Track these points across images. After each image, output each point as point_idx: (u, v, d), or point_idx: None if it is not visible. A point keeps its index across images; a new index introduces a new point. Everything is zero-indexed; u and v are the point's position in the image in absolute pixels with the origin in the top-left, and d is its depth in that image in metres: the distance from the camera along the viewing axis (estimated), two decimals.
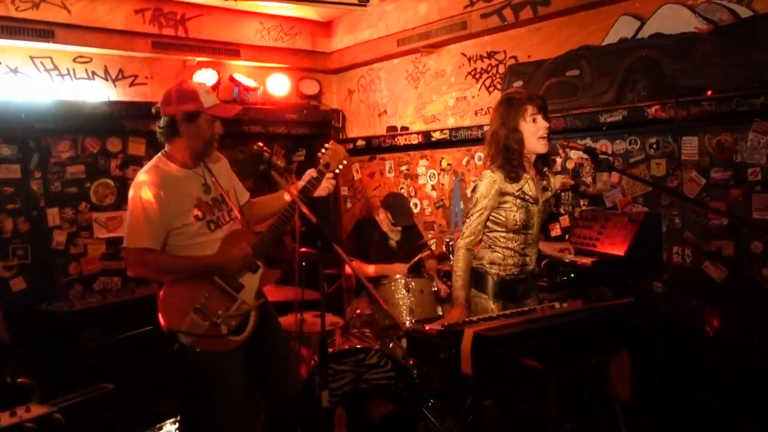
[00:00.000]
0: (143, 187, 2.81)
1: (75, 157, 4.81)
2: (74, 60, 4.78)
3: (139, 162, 5.11)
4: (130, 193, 2.85)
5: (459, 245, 3.21)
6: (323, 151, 3.15)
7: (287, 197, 3.07)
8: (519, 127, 3.14)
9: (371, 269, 4.48)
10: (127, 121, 4.97)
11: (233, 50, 5.41)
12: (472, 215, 3.21)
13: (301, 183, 3.10)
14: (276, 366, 3.14)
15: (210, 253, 2.89)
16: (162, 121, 2.91)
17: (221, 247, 2.93)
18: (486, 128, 4.87)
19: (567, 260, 3.61)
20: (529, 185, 3.23)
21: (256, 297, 2.98)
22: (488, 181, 3.17)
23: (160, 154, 2.97)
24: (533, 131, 3.14)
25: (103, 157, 4.96)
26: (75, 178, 4.80)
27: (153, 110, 2.96)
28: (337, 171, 3.13)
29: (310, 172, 3.12)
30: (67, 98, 4.68)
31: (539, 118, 3.15)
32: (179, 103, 2.87)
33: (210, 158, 3.06)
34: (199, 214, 2.88)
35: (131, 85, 5.06)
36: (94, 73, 4.88)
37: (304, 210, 2.71)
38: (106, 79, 4.94)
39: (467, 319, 2.69)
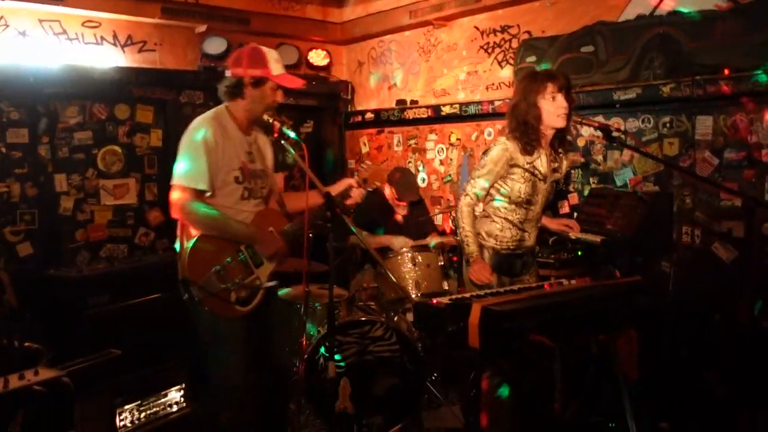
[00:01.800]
0: (204, 129, 2.84)
1: (83, 123, 4.78)
2: (83, 24, 4.73)
3: (146, 129, 5.09)
4: (188, 135, 2.86)
5: (460, 203, 3.22)
6: (364, 166, 3.22)
7: (318, 197, 3.08)
8: (537, 104, 3.13)
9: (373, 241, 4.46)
10: (135, 88, 4.94)
11: (244, 18, 5.35)
12: (478, 177, 3.21)
13: (339, 189, 3.15)
14: (269, 342, 3.17)
15: (242, 219, 2.95)
16: (228, 81, 2.94)
17: (255, 220, 2.99)
18: (498, 103, 4.85)
19: (572, 236, 3.60)
20: (541, 161, 3.22)
21: (269, 277, 3.03)
22: (501, 148, 3.17)
23: (221, 106, 2.99)
24: (551, 110, 3.12)
25: (111, 123, 4.93)
26: (82, 144, 4.78)
27: (219, 68, 2.99)
28: (370, 189, 3.23)
29: (348, 182, 3.18)
30: (76, 63, 4.64)
31: (559, 96, 3.12)
32: (249, 66, 2.90)
33: (261, 131, 3.11)
34: (240, 176, 2.93)
35: (140, 51, 5.02)
36: (102, 38, 4.83)
37: (316, 181, 2.74)
38: (115, 45, 4.89)
39: (475, 294, 2.68)
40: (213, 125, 2.87)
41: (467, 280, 3.29)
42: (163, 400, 3.83)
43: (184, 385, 3.92)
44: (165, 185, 5.11)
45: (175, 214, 2.89)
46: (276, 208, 3.17)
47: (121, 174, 4.99)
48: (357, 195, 3.15)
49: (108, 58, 4.84)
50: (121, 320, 4.10)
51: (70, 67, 4.59)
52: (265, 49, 2.99)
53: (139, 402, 3.70)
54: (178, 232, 2.97)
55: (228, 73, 2.96)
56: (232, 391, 2.96)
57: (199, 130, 2.84)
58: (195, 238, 2.87)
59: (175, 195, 2.84)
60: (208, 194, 2.86)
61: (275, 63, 2.94)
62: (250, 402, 3.07)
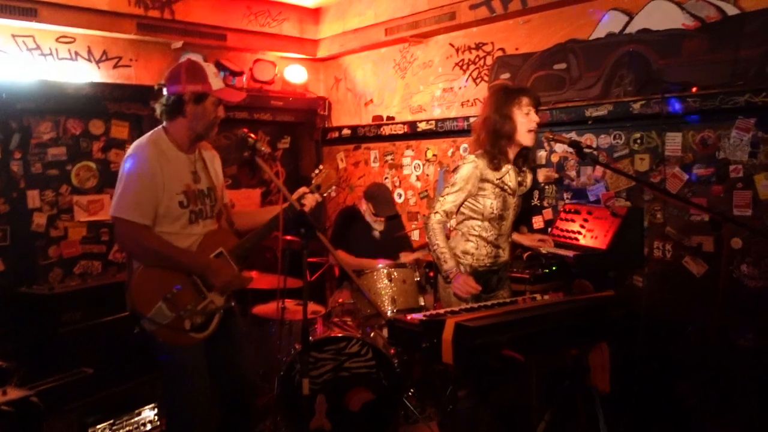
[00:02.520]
0: (141, 158, 2.73)
1: (56, 139, 4.74)
2: (57, 40, 4.70)
3: (122, 145, 5.05)
4: (126, 163, 2.76)
5: (431, 222, 3.23)
6: (317, 172, 3.14)
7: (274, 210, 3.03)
8: (513, 116, 3.17)
9: (354, 263, 4.46)
10: (110, 104, 4.91)
11: (220, 34, 5.36)
12: (447, 194, 3.24)
13: (293, 197, 3.03)
14: (230, 361, 3.05)
15: (187, 245, 2.85)
16: (166, 99, 2.83)
17: (204, 243, 2.89)
18: (473, 120, 4.90)
19: (545, 252, 3.64)
20: (509, 176, 3.28)
21: (225, 300, 2.94)
22: (471, 166, 3.21)
23: (158, 128, 2.88)
24: (524, 122, 3.18)
25: (85, 139, 4.89)
26: (56, 160, 4.73)
27: (156, 86, 2.91)
28: (325, 194, 3.14)
29: (303, 190, 3.10)
30: (50, 78, 4.61)
31: (532, 112, 3.19)
32: (188, 82, 2.79)
33: (204, 147, 3.02)
34: (184, 201, 2.82)
35: (115, 66, 5.00)
36: (77, 53, 4.80)
37: (290, 198, 2.72)
38: (90, 61, 4.87)
39: (449, 309, 2.70)
40: (149, 151, 2.76)
41: (446, 295, 3.29)
42: (136, 418, 3.79)
43: (157, 404, 3.88)
44: None
45: (120, 246, 2.80)
46: (225, 227, 3.06)
47: (95, 190, 4.94)
48: (311, 201, 3.06)
49: (83, 73, 4.81)
50: (93, 338, 4.05)
51: (44, 83, 4.55)
52: (203, 63, 2.90)
53: (111, 421, 3.66)
54: (126, 263, 2.86)
55: (165, 92, 2.84)
56: (201, 420, 2.86)
57: (134, 159, 2.74)
58: (140, 269, 2.76)
59: (118, 229, 2.75)
60: (149, 225, 2.75)
61: (214, 77, 2.85)
62: (213, 421, 2.97)
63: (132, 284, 2.76)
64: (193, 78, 2.80)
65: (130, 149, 2.80)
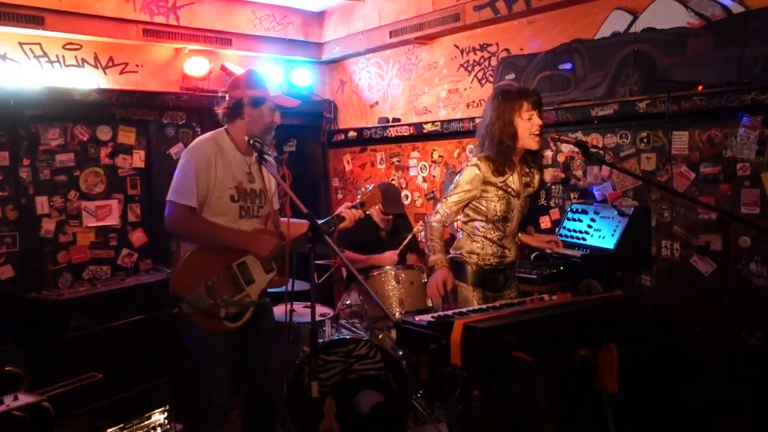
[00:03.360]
0: (199, 150, 2.96)
1: (64, 145, 4.76)
2: (64, 47, 4.73)
3: (129, 151, 5.08)
4: (185, 154, 3.00)
5: (430, 221, 3.27)
6: (363, 190, 3.35)
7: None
8: (514, 122, 3.15)
9: (362, 259, 4.48)
10: (117, 109, 4.93)
11: (225, 39, 5.38)
12: (449, 197, 3.26)
13: (336, 212, 3.24)
14: (258, 360, 3.20)
15: None
16: (227, 103, 3.08)
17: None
18: (478, 120, 4.90)
19: (554, 252, 3.63)
20: (513, 179, 3.27)
21: (260, 295, 3.09)
22: (473, 171, 3.20)
23: (221, 129, 3.11)
24: (527, 127, 3.16)
25: (92, 145, 4.91)
26: (64, 166, 4.75)
27: (219, 94, 3.11)
28: (368, 212, 3.31)
29: (346, 205, 3.25)
30: (57, 85, 4.63)
31: (534, 115, 3.16)
32: (247, 88, 3.05)
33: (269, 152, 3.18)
34: (235, 195, 3.00)
35: (121, 72, 5.02)
36: (83, 60, 4.83)
37: (296, 201, 2.77)
38: (96, 67, 4.90)
39: (457, 311, 2.70)
40: (207, 144, 2.99)
41: (454, 296, 3.31)
42: (146, 422, 3.81)
43: (167, 407, 3.90)
44: (148, 206, 5.15)
45: (168, 227, 2.97)
46: (271, 229, 3.21)
47: (103, 195, 4.96)
48: (351, 217, 3.20)
49: (89, 79, 4.84)
50: (103, 343, 4.07)
51: (51, 89, 4.58)
52: (262, 72, 3.15)
53: (122, 425, 3.68)
54: (175, 248, 3.09)
55: (227, 97, 3.10)
56: (217, 406, 2.98)
57: (192, 150, 2.98)
58: (188, 254, 2.94)
59: (167, 210, 2.95)
60: (197, 210, 2.94)
61: (273, 85, 3.09)
62: (236, 419, 3.07)
63: (177, 268, 2.96)
64: (252, 84, 3.07)
65: (192, 144, 3.04)
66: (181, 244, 3.05)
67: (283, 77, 5.91)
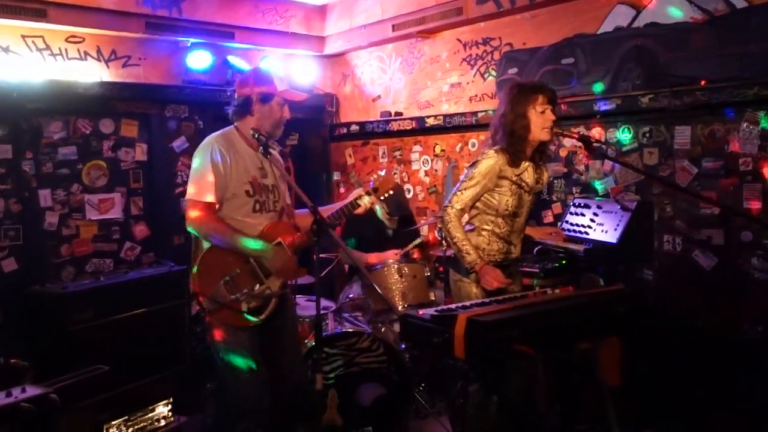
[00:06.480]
0: (212, 147, 2.97)
1: (67, 138, 4.77)
2: (66, 40, 4.73)
3: (131, 144, 5.09)
4: (199, 153, 3.01)
5: (449, 215, 3.19)
6: (375, 176, 3.32)
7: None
8: (528, 114, 3.16)
9: (368, 257, 4.48)
10: (119, 103, 4.94)
11: (227, 32, 5.37)
12: (465, 189, 3.20)
13: (349, 199, 3.19)
14: (281, 352, 3.17)
15: (251, 233, 3.00)
16: (236, 101, 3.10)
17: (266, 229, 3.05)
18: (481, 115, 4.91)
19: (555, 244, 3.64)
20: (528, 173, 3.25)
21: (281, 286, 3.08)
22: (491, 162, 3.18)
23: (231, 126, 3.12)
24: (540, 121, 3.16)
25: (95, 138, 4.92)
26: (67, 159, 4.76)
27: (228, 92, 3.09)
28: (382, 198, 3.24)
29: (359, 192, 3.21)
30: (59, 78, 4.64)
31: (548, 110, 3.16)
32: (255, 84, 3.06)
33: (273, 148, 3.16)
34: (250, 190, 3.01)
35: (124, 66, 5.02)
36: (86, 53, 4.83)
37: (301, 194, 2.78)
38: (99, 60, 4.90)
39: (460, 304, 2.71)
40: (219, 141, 3.00)
41: (456, 290, 3.30)
42: (150, 414, 3.83)
43: (171, 400, 3.92)
44: (150, 199, 5.17)
45: (190, 226, 2.97)
46: (287, 221, 3.21)
47: (106, 188, 4.97)
48: (366, 203, 3.18)
49: (92, 73, 4.84)
50: (106, 336, 4.09)
51: (54, 82, 4.58)
52: (270, 69, 3.11)
53: (126, 417, 3.70)
54: (192, 247, 3.06)
55: (236, 95, 3.11)
56: (248, 402, 2.98)
57: (204, 148, 2.99)
58: (204, 251, 2.96)
59: (188, 210, 2.96)
60: (217, 206, 2.96)
61: (279, 80, 3.10)
62: (265, 414, 3.06)
63: (198, 266, 2.96)
64: (260, 81, 3.09)
65: (204, 142, 3.04)
66: (198, 244, 3.02)
67: (285, 71, 5.91)
